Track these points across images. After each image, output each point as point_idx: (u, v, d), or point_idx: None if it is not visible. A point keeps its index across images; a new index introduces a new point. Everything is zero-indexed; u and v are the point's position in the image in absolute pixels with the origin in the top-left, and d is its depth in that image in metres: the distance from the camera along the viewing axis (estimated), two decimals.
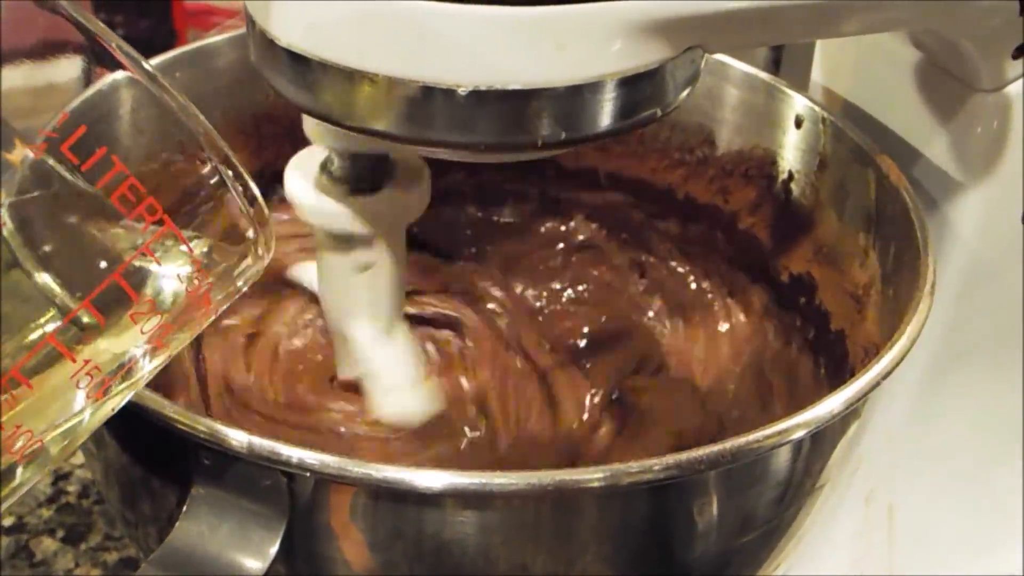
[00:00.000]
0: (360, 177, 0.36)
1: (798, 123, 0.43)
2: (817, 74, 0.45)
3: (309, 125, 0.35)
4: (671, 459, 0.25)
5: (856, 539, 0.43)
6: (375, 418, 0.38)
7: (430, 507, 0.26)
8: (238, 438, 0.25)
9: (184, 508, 0.26)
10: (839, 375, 0.40)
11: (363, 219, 0.35)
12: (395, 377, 0.38)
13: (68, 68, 0.87)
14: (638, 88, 0.28)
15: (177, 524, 0.26)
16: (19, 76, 0.82)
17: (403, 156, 0.37)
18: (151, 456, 0.29)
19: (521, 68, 0.26)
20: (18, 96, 0.81)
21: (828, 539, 0.43)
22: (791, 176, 0.44)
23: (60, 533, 0.53)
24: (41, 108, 0.84)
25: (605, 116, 0.28)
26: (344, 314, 0.38)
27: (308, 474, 0.25)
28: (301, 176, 0.37)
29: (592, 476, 0.25)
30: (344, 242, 0.36)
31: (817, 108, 0.42)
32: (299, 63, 0.27)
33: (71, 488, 0.55)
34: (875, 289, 0.38)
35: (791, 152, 0.43)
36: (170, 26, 0.92)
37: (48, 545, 0.52)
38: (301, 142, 0.47)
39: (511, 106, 0.27)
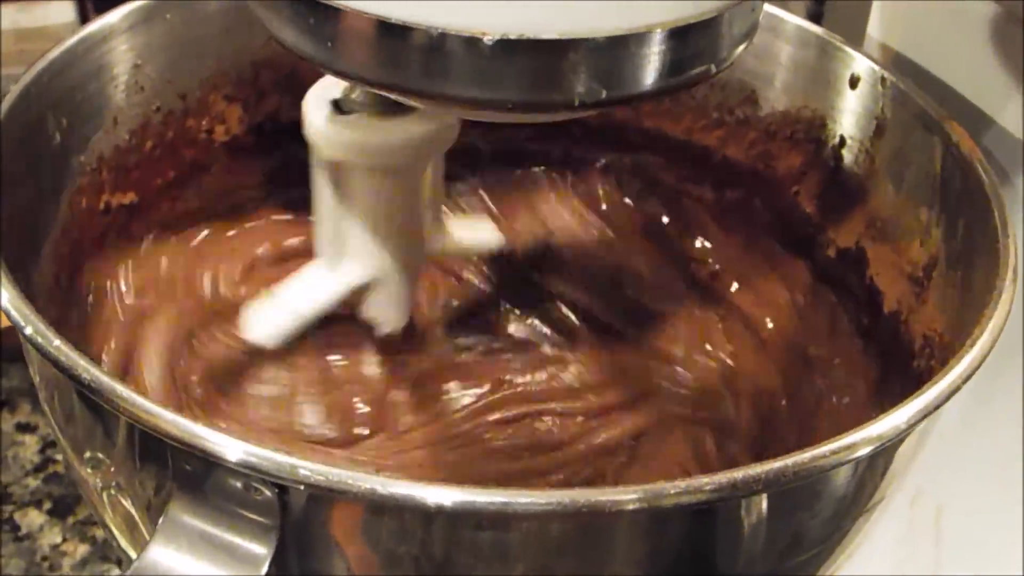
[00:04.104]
0: (384, 101, 0.31)
1: (853, 83, 0.39)
2: (874, 28, 0.41)
3: None
4: (724, 478, 0.22)
5: (901, 542, 0.40)
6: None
7: (439, 526, 0.22)
8: (223, 443, 0.22)
9: (160, 520, 0.22)
10: (891, 362, 0.37)
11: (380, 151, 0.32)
12: (285, 296, 0.34)
13: (60, 10, 0.81)
14: (691, 40, 0.25)
15: (151, 540, 0.22)
16: (7, 17, 0.77)
17: None
18: (133, 459, 0.25)
19: (557, 14, 0.23)
20: (5, 39, 0.76)
21: (872, 542, 0.39)
22: (842, 141, 0.40)
23: (47, 505, 0.50)
24: (30, 53, 0.80)
25: (651, 73, 0.24)
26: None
27: (302, 487, 0.22)
28: (316, 95, 0.33)
29: (626, 498, 0.22)
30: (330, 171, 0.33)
31: (877, 67, 0.38)
32: (303, 5, 0.23)
33: (59, 456, 0.52)
34: (938, 272, 0.35)
35: (844, 115, 0.39)
36: None
37: (34, 518, 0.50)
38: (304, 91, 0.44)
39: (544, 59, 0.23)
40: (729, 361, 0.42)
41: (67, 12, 0.69)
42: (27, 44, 0.69)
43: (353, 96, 0.32)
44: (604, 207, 0.46)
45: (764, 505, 0.24)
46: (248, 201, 0.43)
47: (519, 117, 0.30)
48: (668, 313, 0.44)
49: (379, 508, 0.22)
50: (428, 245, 0.37)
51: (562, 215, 0.46)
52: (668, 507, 0.22)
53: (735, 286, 0.44)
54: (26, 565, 0.48)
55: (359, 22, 0.23)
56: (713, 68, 0.26)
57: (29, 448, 0.53)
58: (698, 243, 0.45)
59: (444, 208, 0.39)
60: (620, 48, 0.23)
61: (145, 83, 0.38)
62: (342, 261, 0.34)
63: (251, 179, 0.44)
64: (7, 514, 0.50)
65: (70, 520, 0.50)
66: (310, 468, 0.21)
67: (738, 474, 0.22)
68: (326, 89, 0.33)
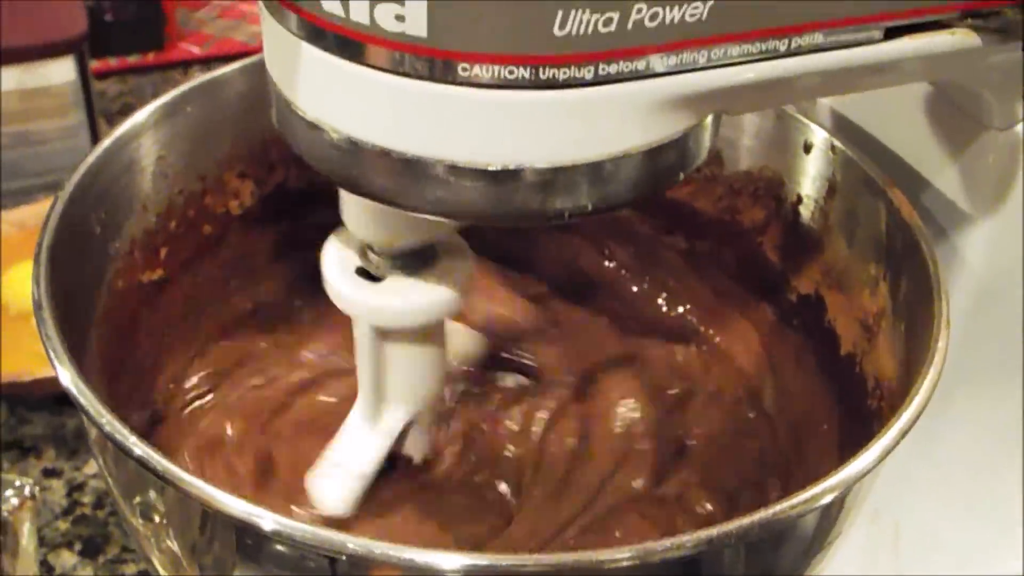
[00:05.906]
0: (401, 264, 0.34)
1: (807, 149, 0.43)
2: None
3: (348, 216, 0.33)
4: (703, 534, 0.26)
5: (861, 555, 0.44)
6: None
7: None
8: (276, 522, 0.26)
9: None
10: (848, 399, 0.41)
11: (390, 314, 0.34)
12: (343, 460, 0.37)
13: (61, 70, 0.85)
14: (663, 157, 0.29)
15: None
16: (11, 78, 0.82)
17: (447, 240, 0.35)
18: (198, 535, 0.29)
19: (550, 148, 0.27)
20: (9, 98, 0.81)
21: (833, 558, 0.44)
22: (800, 199, 0.44)
23: (78, 546, 0.54)
24: (33, 111, 0.84)
25: (630, 186, 0.28)
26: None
27: (344, 557, 0.26)
28: (337, 261, 0.35)
29: (620, 556, 0.26)
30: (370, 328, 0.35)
31: (828, 136, 0.42)
32: (326, 138, 0.27)
33: (86, 499, 0.56)
34: (886, 321, 0.39)
35: (800, 176, 0.44)
36: (159, 8, 0.90)
37: (67, 559, 0.53)
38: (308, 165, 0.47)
39: (539, 183, 0.27)
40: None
41: (68, 71, 0.72)
42: (31, 103, 0.72)
43: (373, 260, 0.34)
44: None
45: (740, 551, 0.28)
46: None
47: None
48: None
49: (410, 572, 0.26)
50: None
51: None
52: (656, 562, 0.26)
53: (708, 328, 0.49)
54: None
55: (382, 157, 0.27)
56: (682, 174, 0.30)
57: (57, 492, 0.56)
58: (673, 287, 0.50)
59: None
60: (603, 170, 0.27)
61: (168, 171, 0.42)
62: (383, 410, 0.37)
63: (263, 245, 0.47)
64: (42, 556, 0.53)
65: (100, 559, 0.54)
66: (357, 543, 0.25)
67: (713, 531, 0.26)
68: (342, 259, 0.35)
